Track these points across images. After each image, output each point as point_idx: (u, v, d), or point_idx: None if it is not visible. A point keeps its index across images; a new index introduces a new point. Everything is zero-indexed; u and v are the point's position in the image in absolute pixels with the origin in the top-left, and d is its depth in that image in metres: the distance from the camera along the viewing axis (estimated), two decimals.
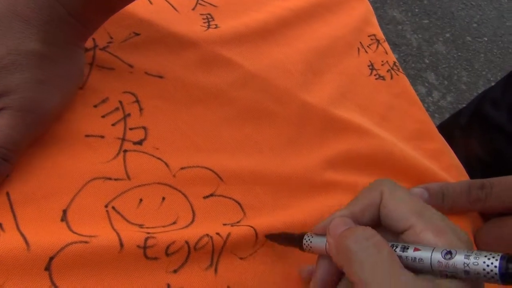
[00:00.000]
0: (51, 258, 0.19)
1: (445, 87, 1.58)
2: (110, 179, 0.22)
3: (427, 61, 1.63)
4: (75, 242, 0.20)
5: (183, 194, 0.24)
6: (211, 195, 0.25)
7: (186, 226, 0.23)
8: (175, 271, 0.22)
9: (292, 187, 0.27)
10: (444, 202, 0.31)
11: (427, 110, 1.46)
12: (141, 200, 0.23)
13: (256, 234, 0.24)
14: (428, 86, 1.56)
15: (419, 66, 1.59)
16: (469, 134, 0.54)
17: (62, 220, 0.21)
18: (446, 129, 0.58)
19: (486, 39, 1.85)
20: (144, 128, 0.26)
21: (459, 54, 1.73)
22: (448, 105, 1.51)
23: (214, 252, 0.23)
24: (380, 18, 1.71)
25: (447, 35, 1.78)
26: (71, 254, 0.20)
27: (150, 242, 0.22)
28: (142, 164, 0.24)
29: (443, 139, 0.36)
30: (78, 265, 0.20)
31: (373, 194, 0.20)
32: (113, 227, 0.22)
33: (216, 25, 0.32)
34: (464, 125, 0.55)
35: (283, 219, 0.25)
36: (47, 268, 0.19)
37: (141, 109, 0.26)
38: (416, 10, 1.80)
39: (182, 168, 0.24)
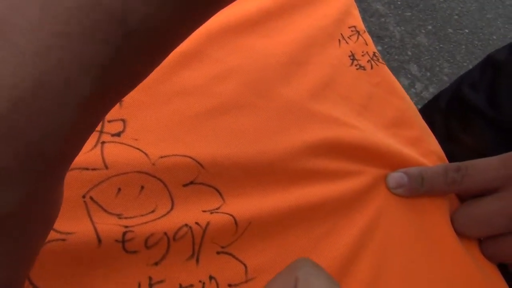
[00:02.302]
0: None
1: (428, 79, 1.60)
2: (87, 169, 0.22)
3: (410, 53, 1.65)
4: (52, 240, 0.20)
5: (162, 182, 0.24)
6: (191, 182, 0.25)
7: (165, 215, 0.23)
8: (156, 264, 0.22)
9: (273, 175, 0.27)
10: (423, 186, 0.31)
11: None
12: (119, 189, 0.23)
13: (236, 222, 0.24)
14: (411, 77, 1.58)
15: (402, 58, 1.61)
16: (449, 117, 0.55)
17: None
18: (426, 113, 0.59)
19: (467, 31, 1.88)
20: (122, 120, 0.26)
21: (441, 46, 1.75)
22: (430, 96, 1.53)
23: (194, 242, 0.23)
24: (363, 11, 1.71)
25: (429, 27, 1.80)
26: (49, 252, 0.20)
27: (128, 236, 0.22)
28: (120, 154, 0.23)
29: (423, 126, 0.37)
30: (56, 264, 0.20)
31: (288, 281, 0.18)
32: (91, 220, 0.21)
33: None
34: (444, 108, 0.55)
35: (263, 206, 0.25)
36: None
37: (120, 102, 0.26)
38: (399, 2, 1.82)
39: (161, 157, 0.24)
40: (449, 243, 0.31)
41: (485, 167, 0.31)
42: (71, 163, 0.16)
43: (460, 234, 0.32)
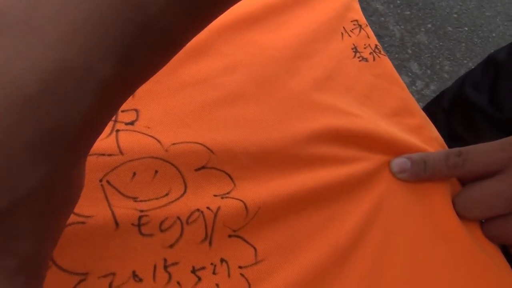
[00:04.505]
0: None
1: (428, 77, 1.61)
2: (103, 155, 0.23)
3: (410, 52, 1.66)
4: (73, 223, 0.21)
5: (175, 166, 0.25)
6: (203, 167, 0.25)
7: (178, 198, 0.24)
8: (171, 246, 0.23)
9: (280, 161, 0.28)
10: (425, 170, 0.32)
11: None
12: (134, 173, 0.24)
13: (246, 207, 0.25)
14: (411, 75, 1.59)
15: (402, 57, 1.62)
16: (452, 116, 0.56)
17: None
18: (429, 112, 0.60)
19: (466, 29, 1.88)
20: (135, 110, 0.27)
21: (441, 44, 1.76)
22: (431, 93, 1.54)
23: (207, 226, 0.24)
24: (363, 10, 1.72)
25: (429, 25, 1.81)
26: (70, 234, 0.21)
27: (144, 220, 0.23)
28: (134, 141, 0.24)
29: (424, 114, 0.38)
30: (77, 245, 0.21)
31: None
32: (108, 203, 0.22)
33: None
34: (447, 107, 0.56)
35: (272, 191, 0.26)
36: None
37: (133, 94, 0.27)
38: (398, 1, 1.83)
39: (173, 144, 0.25)
40: (451, 226, 0.32)
41: (485, 151, 0.32)
42: (92, 145, 0.17)
43: (462, 216, 0.33)
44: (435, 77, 1.61)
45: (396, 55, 1.60)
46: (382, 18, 1.71)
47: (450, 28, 1.83)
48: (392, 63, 0.40)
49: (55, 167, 0.15)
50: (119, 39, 0.14)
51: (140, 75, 0.16)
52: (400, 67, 1.55)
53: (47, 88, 0.13)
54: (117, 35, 0.14)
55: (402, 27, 1.73)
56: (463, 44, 1.79)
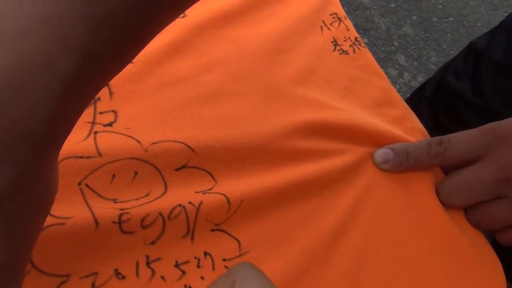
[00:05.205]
0: None
1: (415, 68, 1.61)
2: (81, 157, 0.23)
3: (396, 44, 1.66)
4: (52, 225, 0.21)
5: (155, 167, 0.25)
6: (183, 166, 0.25)
7: (158, 197, 0.24)
8: (152, 243, 0.23)
9: (262, 156, 0.28)
10: (408, 160, 0.33)
11: (399, 91, 1.49)
12: (113, 176, 0.23)
13: (228, 201, 0.25)
14: (399, 68, 1.59)
15: (389, 49, 1.62)
16: (435, 105, 0.56)
17: None
18: (413, 103, 0.60)
19: (452, 19, 1.90)
20: (114, 111, 0.26)
21: (427, 35, 1.77)
22: (419, 85, 1.55)
23: (189, 220, 0.24)
24: (348, 5, 1.73)
25: (414, 17, 1.82)
26: (48, 237, 0.21)
27: (124, 217, 0.23)
28: (113, 142, 0.24)
29: (406, 105, 0.38)
30: (56, 247, 0.21)
31: (226, 283, 0.18)
32: (87, 205, 0.22)
33: (184, 14, 0.33)
34: (430, 97, 0.57)
35: (254, 185, 0.26)
36: None
37: (111, 93, 0.27)
38: None
39: (153, 143, 0.25)
40: (434, 213, 0.32)
41: (465, 138, 0.32)
42: (61, 144, 0.16)
43: (446, 204, 0.33)
44: (422, 68, 1.61)
45: (383, 48, 1.60)
46: (368, 12, 1.71)
47: (435, 19, 1.84)
48: (379, 56, 0.40)
49: (22, 169, 0.14)
50: (79, 34, 0.14)
51: (105, 70, 0.16)
52: (387, 60, 1.56)
53: (5, 85, 0.13)
54: (78, 30, 0.14)
55: (388, 19, 1.73)
56: (449, 35, 1.80)
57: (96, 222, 0.22)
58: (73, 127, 0.16)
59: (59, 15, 0.14)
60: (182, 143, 0.26)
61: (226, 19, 0.35)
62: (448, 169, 0.34)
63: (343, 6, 0.43)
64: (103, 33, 0.14)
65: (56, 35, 0.14)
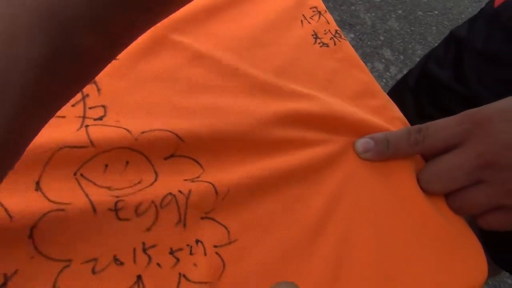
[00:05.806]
0: (32, 228, 0.21)
1: (401, 62, 1.63)
2: (76, 147, 0.24)
3: (382, 38, 1.68)
4: (53, 211, 0.22)
5: (145, 156, 0.26)
6: (171, 155, 0.26)
7: (149, 185, 0.25)
8: (148, 229, 0.24)
9: (247, 145, 0.29)
10: (388, 148, 0.33)
11: (386, 85, 1.51)
12: (106, 165, 0.24)
13: (216, 190, 0.26)
14: (385, 62, 1.61)
15: (375, 44, 1.64)
16: (418, 94, 0.57)
17: (36, 190, 0.22)
18: (396, 94, 0.61)
19: (436, 12, 1.92)
20: (103, 106, 0.27)
21: (412, 29, 1.79)
22: None
23: (179, 209, 0.25)
24: (334, 1, 1.74)
25: (399, 11, 1.84)
26: (50, 222, 0.22)
27: (119, 205, 0.24)
28: (104, 133, 0.25)
29: (386, 95, 0.39)
30: (58, 232, 0.22)
31: None
32: (84, 192, 0.23)
33: None
34: (413, 86, 0.58)
35: (239, 174, 0.28)
36: (30, 236, 0.21)
37: (99, 90, 0.28)
38: None
39: (143, 132, 0.26)
40: (416, 200, 0.33)
41: (444, 126, 0.33)
42: (20, 154, 0.16)
43: (426, 191, 0.34)
44: (408, 62, 1.63)
45: (369, 43, 1.62)
46: (353, 7, 1.73)
47: (420, 13, 1.86)
48: (365, 50, 0.41)
49: None
50: (36, 49, 0.14)
51: (65, 83, 0.16)
52: (373, 54, 1.58)
53: None
54: (35, 45, 0.14)
55: (373, 14, 1.75)
56: (434, 28, 1.82)
57: (94, 209, 0.23)
58: (36, 134, 0.16)
59: (16, 30, 0.14)
60: (170, 131, 0.27)
61: (208, 14, 0.36)
62: (429, 156, 0.35)
63: (328, 1, 0.44)
64: (61, 49, 0.14)
65: (15, 49, 0.14)
